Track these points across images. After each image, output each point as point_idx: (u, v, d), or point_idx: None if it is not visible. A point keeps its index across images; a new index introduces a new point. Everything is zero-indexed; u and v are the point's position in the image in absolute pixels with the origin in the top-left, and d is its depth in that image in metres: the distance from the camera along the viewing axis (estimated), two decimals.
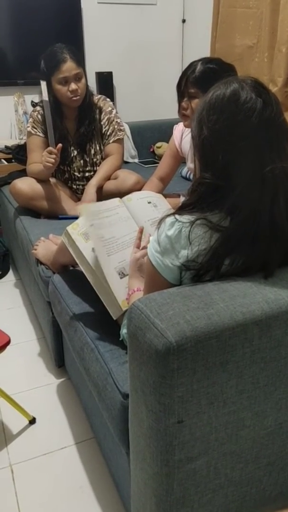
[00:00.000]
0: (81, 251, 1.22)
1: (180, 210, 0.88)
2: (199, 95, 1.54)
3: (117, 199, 1.35)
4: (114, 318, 1.19)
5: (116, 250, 1.23)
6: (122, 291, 1.19)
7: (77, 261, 1.24)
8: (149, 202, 1.39)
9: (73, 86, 1.95)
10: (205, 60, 1.57)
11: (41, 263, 1.67)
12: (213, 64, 1.55)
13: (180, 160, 1.96)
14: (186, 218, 0.85)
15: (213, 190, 0.85)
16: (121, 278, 1.21)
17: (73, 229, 1.25)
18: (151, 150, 3.05)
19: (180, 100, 1.62)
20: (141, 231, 1.24)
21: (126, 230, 1.27)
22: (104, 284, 1.19)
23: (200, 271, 0.85)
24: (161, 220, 0.88)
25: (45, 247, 1.68)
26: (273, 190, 0.83)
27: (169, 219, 0.86)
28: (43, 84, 1.92)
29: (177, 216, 0.86)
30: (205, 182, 0.85)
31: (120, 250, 1.23)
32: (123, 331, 1.14)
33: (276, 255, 0.86)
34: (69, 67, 1.93)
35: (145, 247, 1.22)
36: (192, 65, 1.57)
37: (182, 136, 1.88)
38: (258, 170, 0.82)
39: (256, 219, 0.83)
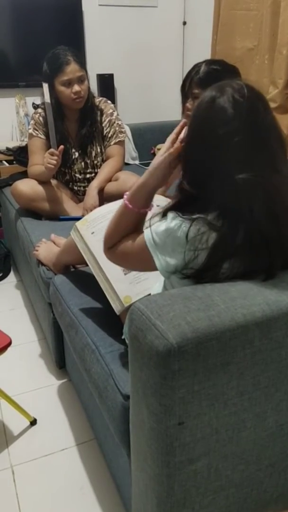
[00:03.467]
0: (89, 247, 1.24)
1: (177, 208, 0.88)
2: None
3: None
4: (118, 314, 1.21)
5: None
6: (126, 287, 1.20)
7: (84, 257, 1.26)
8: (157, 206, 1.40)
9: (76, 88, 1.96)
10: (208, 62, 1.60)
11: (42, 264, 1.67)
12: (216, 65, 1.58)
13: None
14: (186, 215, 0.85)
15: (190, 198, 0.86)
16: (125, 274, 1.22)
17: (82, 224, 1.26)
18: (152, 151, 3.05)
19: (184, 101, 1.64)
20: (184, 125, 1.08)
21: None
22: (106, 282, 1.21)
23: (196, 276, 0.85)
24: (163, 212, 0.88)
25: (46, 248, 1.69)
26: (249, 199, 0.81)
27: (171, 214, 0.87)
28: (45, 86, 1.92)
29: (178, 212, 0.86)
30: (183, 189, 0.87)
31: None
32: (126, 328, 1.15)
33: (275, 262, 0.86)
34: (73, 69, 1.93)
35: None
36: (196, 66, 1.60)
37: None
38: (231, 179, 0.80)
39: (238, 228, 0.82)
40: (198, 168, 0.85)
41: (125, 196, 0.98)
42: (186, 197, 0.87)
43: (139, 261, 0.94)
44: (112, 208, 1.31)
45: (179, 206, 0.87)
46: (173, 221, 0.85)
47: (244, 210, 0.81)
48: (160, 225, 0.88)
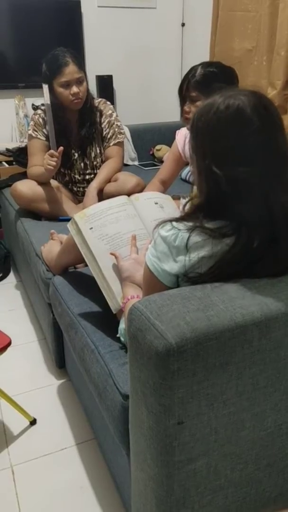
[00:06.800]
0: (87, 241, 1.24)
1: (178, 219, 0.89)
2: (200, 99, 1.57)
3: (124, 197, 1.36)
4: (114, 312, 1.21)
5: (120, 245, 1.24)
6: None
7: (81, 251, 1.25)
8: (156, 203, 1.40)
9: (74, 89, 1.96)
10: (205, 64, 1.61)
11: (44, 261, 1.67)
12: (213, 68, 1.58)
13: (182, 164, 1.98)
14: (182, 225, 0.86)
15: (216, 200, 0.85)
16: None
17: (80, 218, 1.26)
18: (151, 152, 3.05)
19: (182, 104, 1.65)
20: (134, 237, 1.25)
21: (132, 226, 1.29)
22: (103, 279, 1.21)
23: (200, 278, 0.85)
24: (157, 226, 0.90)
25: (49, 247, 1.67)
26: (271, 204, 0.82)
27: (166, 225, 0.88)
28: (45, 87, 1.93)
29: (174, 223, 0.87)
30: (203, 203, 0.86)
31: (125, 245, 1.24)
32: (121, 326, 1.15)
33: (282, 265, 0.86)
34: (71, 70, 1.94)
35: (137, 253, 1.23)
36: (193, 69, 1.60)
37: (185, 141, 1.90)
38: (263, 199, 0.81)
39: (255, 234, 0.82)
40: (224, 177, 0.82)
41: None
42: (196, 209, 0.87)
43: (154, 291, 0.92)
44: (111, 205, 1.31)
45: (200, 209, 0.87)
46: (168, 233, 0.86)
47: (265, 215, 0.82)
48: (156, 238, 0.89)
